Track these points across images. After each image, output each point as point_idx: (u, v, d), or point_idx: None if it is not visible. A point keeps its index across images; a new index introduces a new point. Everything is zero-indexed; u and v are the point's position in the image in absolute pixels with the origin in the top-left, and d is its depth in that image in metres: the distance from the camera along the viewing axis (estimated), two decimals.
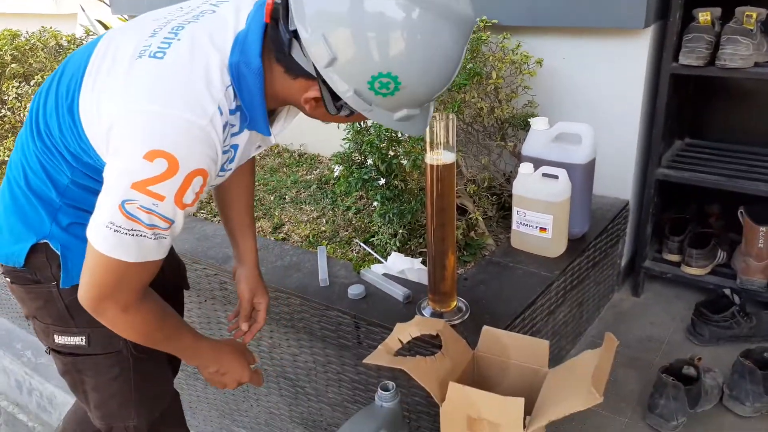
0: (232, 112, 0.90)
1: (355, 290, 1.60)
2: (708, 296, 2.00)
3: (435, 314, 1.51)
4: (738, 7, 1.77)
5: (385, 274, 1.70)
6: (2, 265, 1.06)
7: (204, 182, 0.86)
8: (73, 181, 0.97)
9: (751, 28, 1.74)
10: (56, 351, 1.12)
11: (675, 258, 2.13)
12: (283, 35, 0.86)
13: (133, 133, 0.82)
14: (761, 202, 1.91)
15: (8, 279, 1.08)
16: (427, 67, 0.84)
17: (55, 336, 1.09)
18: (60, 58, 2.35)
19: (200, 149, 0.84)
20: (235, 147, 0.96)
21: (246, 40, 0.87)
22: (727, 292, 1.95)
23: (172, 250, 1.03)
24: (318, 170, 2.64)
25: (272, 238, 2.05)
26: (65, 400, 2.41)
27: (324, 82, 0.86)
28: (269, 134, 0.96)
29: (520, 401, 0.99)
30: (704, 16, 1.79)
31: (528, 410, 1.04)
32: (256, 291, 1.34)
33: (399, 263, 1.73)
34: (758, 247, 1.93)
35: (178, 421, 1.38)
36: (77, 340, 1.07)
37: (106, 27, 3.68)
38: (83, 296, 0.92)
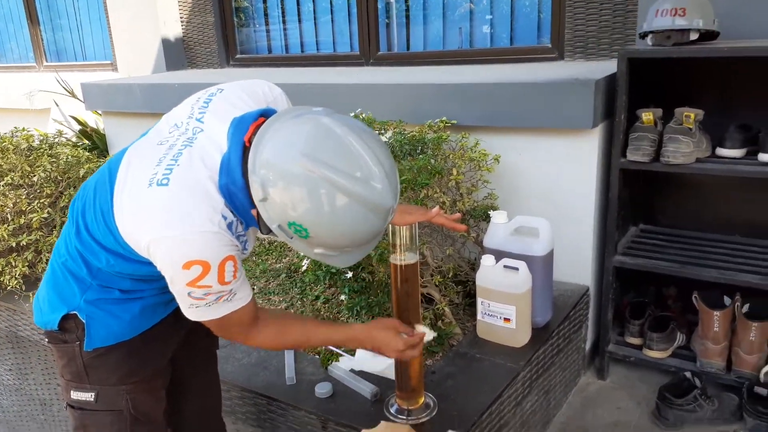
0: (233, 217, 1.11)
1: (322, 389, 1.60)
2: (671, 379, 2.04)
3: (402, 412, 1.52)
4: (677, 108, 1.91)
5: (352, 370, 1.71)
6: (43, 330, 1.28)
7: (235, 263, 1.08)
8: (106, 269, 1.19)
9: (690, 127, 1.87)
10: (71, 407, 1.30)
11: (637, 341, 2.19)
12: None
13: (167, 254, 1.05)
14: (714, 287, 1.99)
15: (46, 339, 1.30)
16: (333, 232, 1.06)
17: (72, 391, 1.28)
18: (31, 158, 2.40)
19: (218, 246, 1.06)
20: (243, 242, 1.17)
21: (230, 164, 1.08)
22: (688, 375, 2.00)
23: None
24: (287, 258, 2.66)
25: None
26: None
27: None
28: (266, 233, 1.15)
29: None
30: (647, 116, 1.92)
31: None
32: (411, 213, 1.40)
33: (367, 360, 1.74)
34: (714, 330, 1.99)
35: None
36: (87, 396, 1.27)
37: (79, 122, 3.74)
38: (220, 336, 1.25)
